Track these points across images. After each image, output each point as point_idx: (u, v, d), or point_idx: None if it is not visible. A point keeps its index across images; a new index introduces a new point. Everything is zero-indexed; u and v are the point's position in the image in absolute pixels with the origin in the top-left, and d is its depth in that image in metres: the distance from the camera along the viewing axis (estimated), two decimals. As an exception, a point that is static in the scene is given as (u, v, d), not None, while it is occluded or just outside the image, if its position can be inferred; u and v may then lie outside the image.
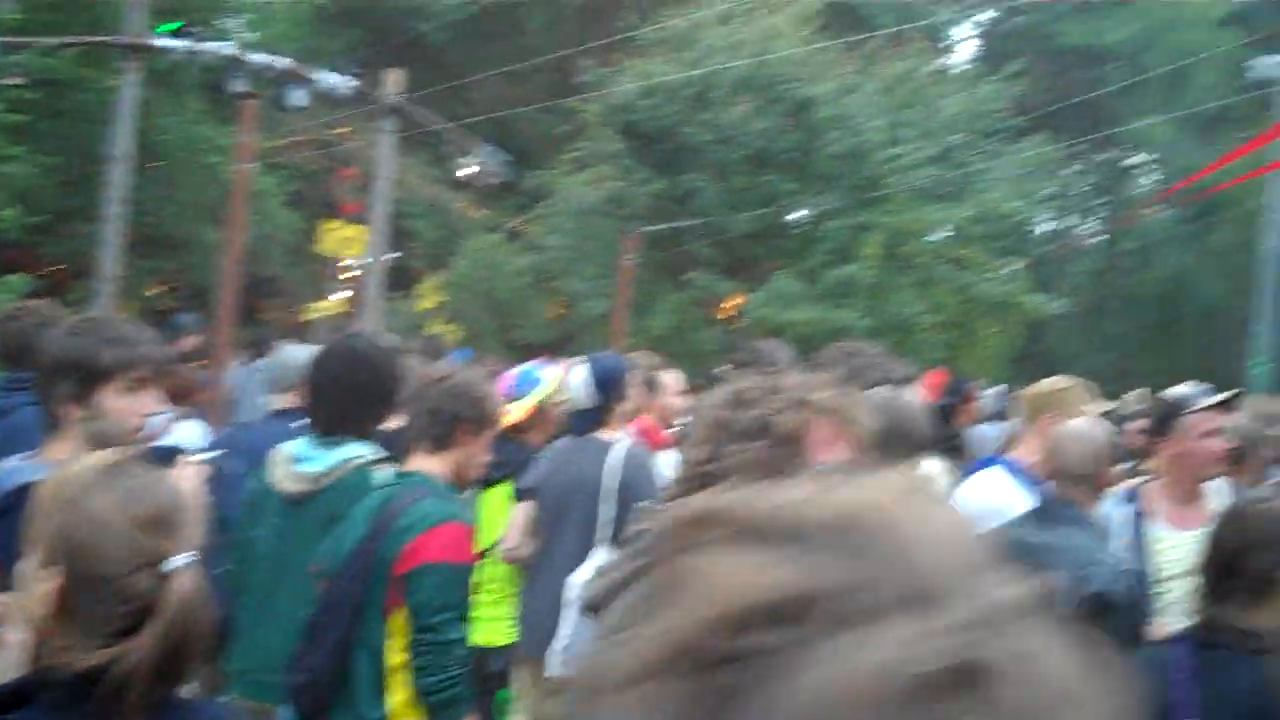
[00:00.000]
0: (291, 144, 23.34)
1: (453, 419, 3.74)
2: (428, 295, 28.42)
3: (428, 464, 3.76)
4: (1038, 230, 37.84)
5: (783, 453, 2.06)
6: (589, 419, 5.38)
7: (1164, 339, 37.33)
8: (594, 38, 22.66)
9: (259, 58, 14.94)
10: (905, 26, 23.47)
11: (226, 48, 15.07)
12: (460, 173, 20.08)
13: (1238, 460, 5.22)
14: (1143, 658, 3.05)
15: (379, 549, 3.48)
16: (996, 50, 36.41)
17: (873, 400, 3.33)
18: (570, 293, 26.08)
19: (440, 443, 3.75)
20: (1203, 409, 4.92)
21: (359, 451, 3.98)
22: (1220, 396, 4.91)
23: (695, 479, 2.16)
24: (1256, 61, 32.93)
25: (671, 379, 6.81)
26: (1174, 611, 4.38)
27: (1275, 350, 33.97)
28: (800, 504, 0.64)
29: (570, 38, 25.90)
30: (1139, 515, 4.66)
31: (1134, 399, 17.71)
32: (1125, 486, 4.83)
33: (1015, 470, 4.75)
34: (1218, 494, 4.73)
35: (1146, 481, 4.95)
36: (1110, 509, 4.66)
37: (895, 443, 3.27)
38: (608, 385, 5.35)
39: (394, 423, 4.09)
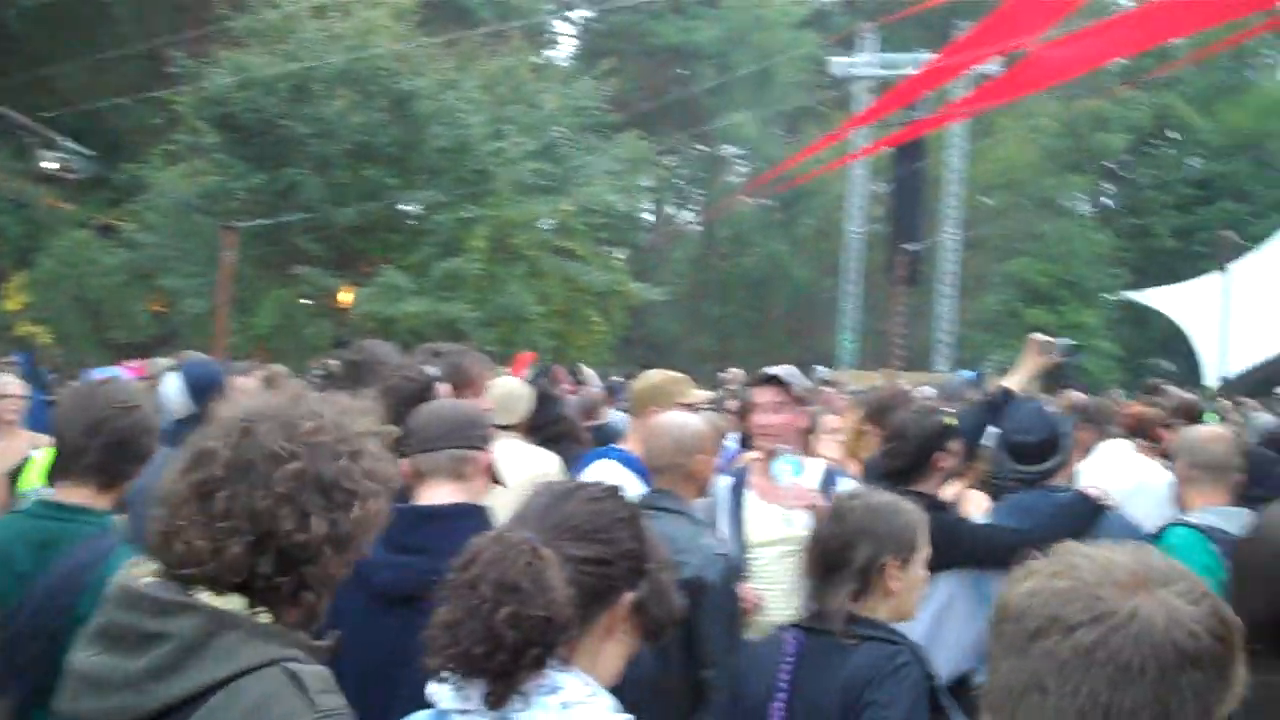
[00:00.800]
0: None
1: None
2: (12, 295, 26.57)
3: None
4: (639, 221, 39.20)
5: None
6: (187, 428, 5.19)
7: (760, 320, 39.43)
8: (186, 27, 21.78)
9: None
10: (506, 26, 23.78)
11: None
12: (43, 165, 18.87)
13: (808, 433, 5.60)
14: (759, 644, 3.18)
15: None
16: (594, 48, 37.42)
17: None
18: (170, 291, 24.94)
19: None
20: (760, 385, 5.17)
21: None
22: (771, 371, 5.11)
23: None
24: (834, 61, 35.34)
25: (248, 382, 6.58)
26: (764, 578, 4.66)
27: (860, 327, 36.64)
28: None
29: (161, 27, 24.78)
30: (737, 489, 4.89)
31: (731, 379, 18.73)
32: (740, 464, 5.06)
33: (627, 461, 4.85)
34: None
35: (753, 458, 5.17)
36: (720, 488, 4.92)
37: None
38: (203, 391, 5.17)
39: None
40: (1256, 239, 37.46)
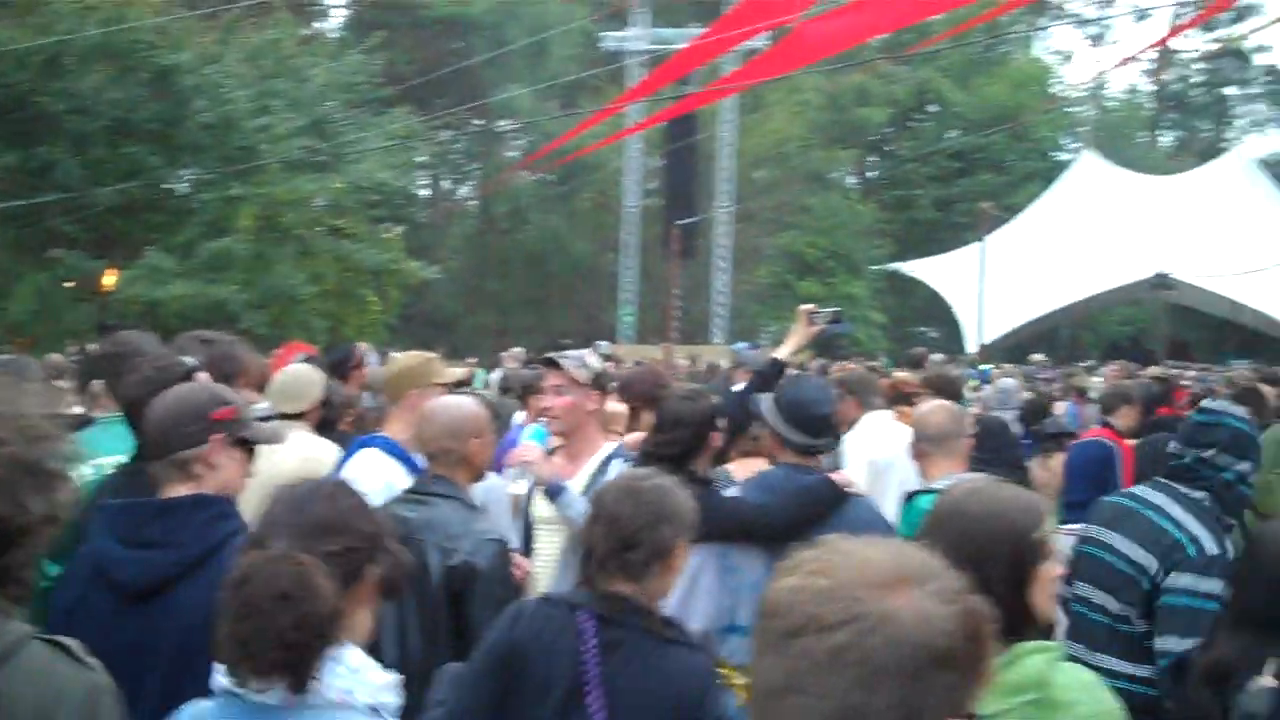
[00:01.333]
0: None
1: None
2: None
3: None
4: (414, 197, 38.71)
5: None
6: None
7: (540, 295, 39.46)
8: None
9: None
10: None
11: None
12: None
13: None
14: (547, 620, 3.08)
15: None
16: (364, 20, 36.69)
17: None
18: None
19: None
20: (543, 368, 5.18)
21: None
22: (550, 355, 5.11)
23: None
24: (606, 35, 35.52)
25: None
26: (545, 556, 4.68)
27: (639, 301, 37.04)
28: None
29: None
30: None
31: (510, 357, 18.66)
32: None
33: (391, 448, 4.77)
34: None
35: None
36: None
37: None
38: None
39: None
40: (1013, 210, 39.30)
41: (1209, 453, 4.01)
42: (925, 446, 5.11)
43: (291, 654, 2.17)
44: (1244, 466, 4.01)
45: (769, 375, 5.11)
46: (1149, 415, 9.10)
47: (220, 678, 2.28)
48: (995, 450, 7.64)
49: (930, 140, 43.98)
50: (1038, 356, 27.24)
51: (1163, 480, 4.12)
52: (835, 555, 1.39)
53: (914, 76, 43.01)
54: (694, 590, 4.24)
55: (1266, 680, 3.17)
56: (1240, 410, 4.18)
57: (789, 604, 1.34)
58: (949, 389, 7.82)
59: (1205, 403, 4.37)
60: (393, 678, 2.41)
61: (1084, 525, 4.26)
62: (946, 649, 1.30)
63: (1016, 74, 46.03)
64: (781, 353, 5.35)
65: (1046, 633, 2.79)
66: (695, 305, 39.95)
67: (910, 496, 5.02)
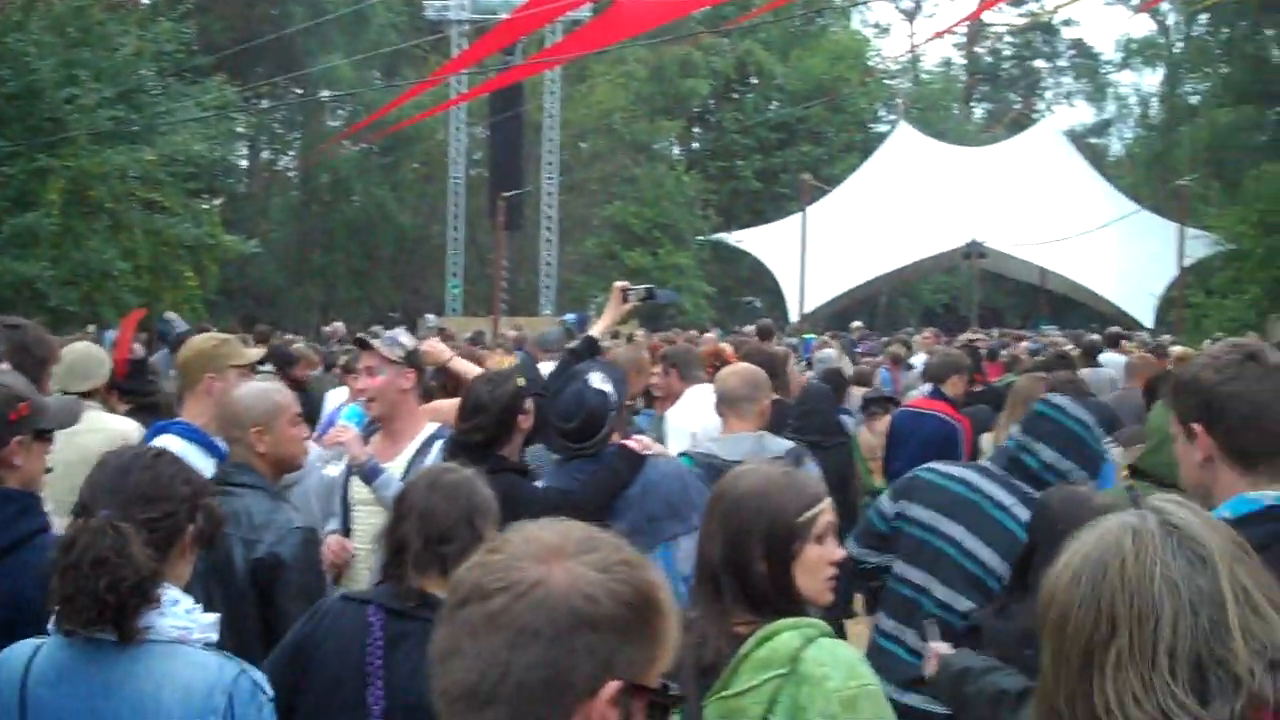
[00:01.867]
0: None
1: None
2: None
3: None
4: (233, 168, 37.74)
5: None
6: None
7: (366, 268, 38.91)
8: None
9: None
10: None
11: None
12: None
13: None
14: (341, 616, 3.04)
15: None
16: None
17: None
18: None
19: None
20: (359, 349, 5.11)
21: None
22: (362, 335, 5.13)
23: None
24: (429, 3, 35.10)
25: None
26: (361, 537, 4.61)
27: (467, 273, 36.83)
28: None
29: None
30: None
31: (333, 332, 18.43)
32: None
33: (190, 433, 4.65)
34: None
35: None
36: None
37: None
38: None
39: None
40: (832, 181, 40.14)
41: (1049, 454, 4.02)
42: (723, 408, 5.29)
43: (111, 612, 2.41)
44: (1067, 466, 4.01)
45: (582, 353, 5.09)
46: (971, 384, 9.37)
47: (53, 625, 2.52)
48: (816, 417, 7.90)
49: (752, 112, 44.59)
50: (856, 324, 27.94)
51: (1000, 473, 4.10)
52: (513, 534, 1.46)
53: (736, 49, 43.49)
54: None
55: (934, 645, 3.34)
56: (1082, 411, 4.16)
57: (462, 579, 1.42)
58: (769, 363, 8.01)
59: (1049, 396, 4.42)
60: (214, 617, 2.63)
61: (904, 503, 4.19)
62: (593, 612, 1.37)
63: (835, 46, 46.91)
64: (595, 330, 5.37)
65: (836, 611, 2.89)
66: (523, 277, 39.91)
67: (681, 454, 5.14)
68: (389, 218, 37.56)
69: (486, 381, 4.59)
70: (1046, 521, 3.39)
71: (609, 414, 4.44)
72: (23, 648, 2.56)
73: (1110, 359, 13.07)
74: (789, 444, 5.14)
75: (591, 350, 5.21)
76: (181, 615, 2.56)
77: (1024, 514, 3.87)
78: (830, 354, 14.45)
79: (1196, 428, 2.49)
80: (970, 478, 4.14)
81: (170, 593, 2.56)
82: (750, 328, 20.08)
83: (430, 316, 31.80)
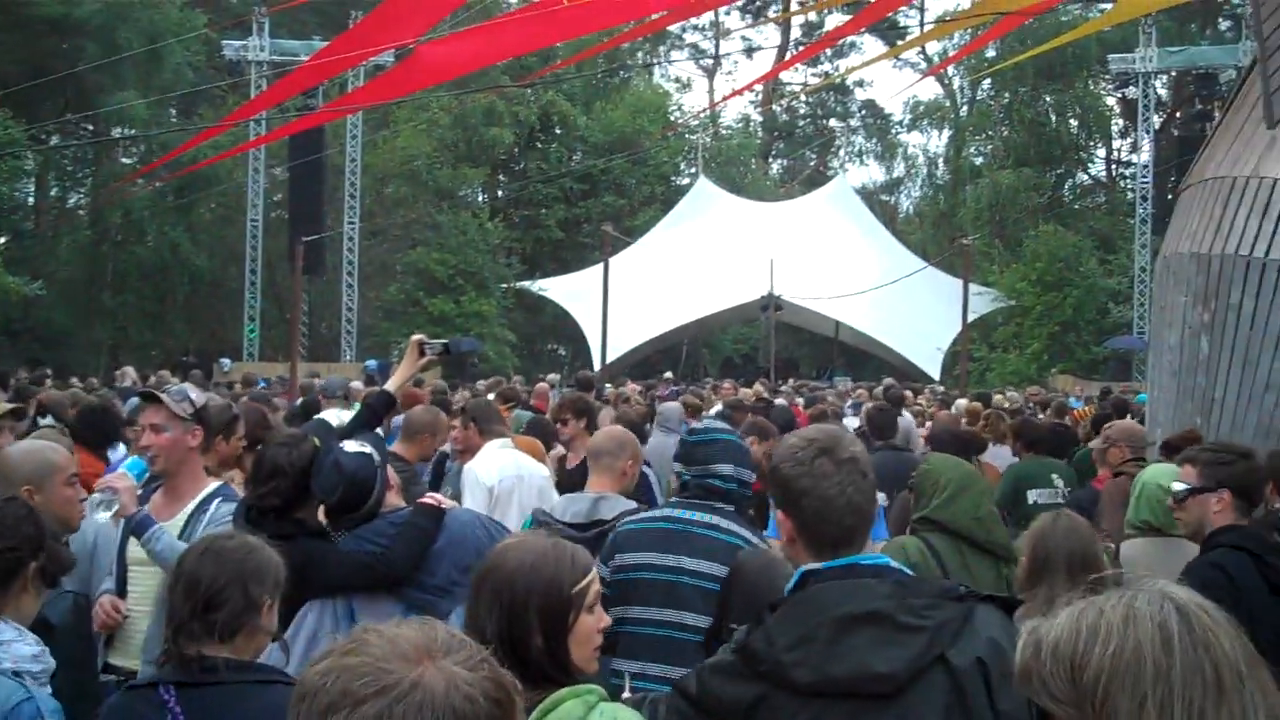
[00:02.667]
0: None
1: None
2: None
3: None
4: (20, 205, 36.34)
5: None
6: None
7: (159, 310, 37.76)
8: None
9: None
10: None
11: None
12: None
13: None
14: (132, 708, 2.94)
15: None
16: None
17: None
18: None
19: None
20: (145, 404, 4.93)
21: None
22: (150, 390, 4.96)
23: None
24: (228, 44, 34.53)
25: None
26: (138, 597, 4.53)
27: (265, 317, 36.10)
28: None
29: None
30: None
31: (122, 376, 17.91)
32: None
33: None
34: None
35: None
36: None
37: None
38: None
39: None
40: (634, 232, 40.74)
41: (725, 468, 4.37)
42: (590, 463, 5.47)
43: None
44: (746, 474, 4.43)
45: (378, 408, 5.08)
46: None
47: None
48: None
49: (556, 162, 45.00)
50: (667, 375, 28.36)
51: (683, 500, 4.43)
52: (367, 635, 1.44)
53: (539, 99, 43.87)
54: (315, 645, 4.12)
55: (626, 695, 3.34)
56: (723, 424, 4.66)
57: (321, 684, 1.38)
58: (588, 411, 8.19)
59: (695, 424, 4.77)
60: (39, 649, 2.89)
61: (617, 557, 4.37)
62: (472, 712, 1.36)
63: (637, 100, 47.71)
64: (390, 385, 5.33)
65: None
66: (323, 322, 39.31)
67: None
68: (184, 259, 36.55)
69: (282, 445, 4.46)
70: (742, 580, 3.66)
71: (374, 474, 4.35)
72: None
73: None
74: (629, 504, 5.12)
75: (387, 405, 5.20)
76: (11, 632, 2.85)
77: (729, 524, 4.26)
78: (675, 408, 14.02)
79: (779, 512, 2.70)
80: (668, 513, 4.44)
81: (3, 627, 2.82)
82: (553, 376, 20.27)
83: (226, 361, 31.08)
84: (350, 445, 4.35)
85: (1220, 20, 45.40)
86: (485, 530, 4.54)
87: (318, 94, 29.05)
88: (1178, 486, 4.72)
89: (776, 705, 2.48)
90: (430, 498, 4.61)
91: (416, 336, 5.52)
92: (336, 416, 6.54)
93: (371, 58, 20.06)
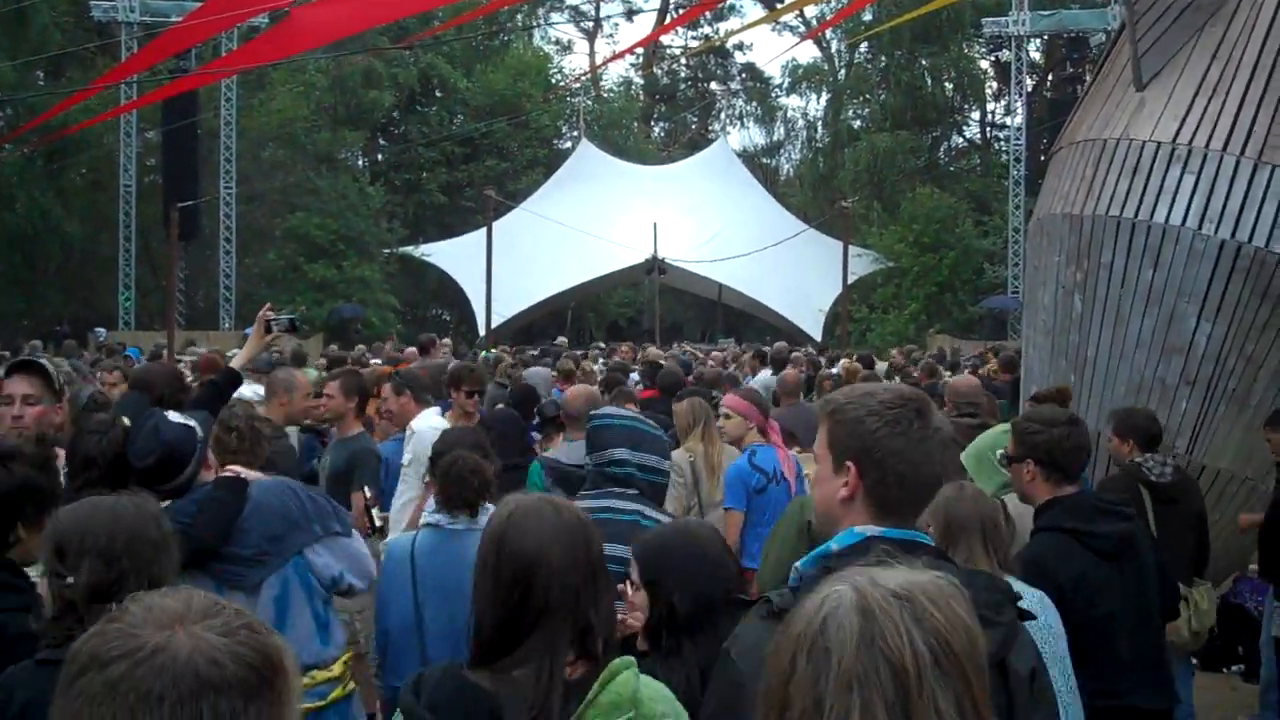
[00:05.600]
0: None
1: None
2: None
3: None
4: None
5: None
6: None
7: (31, 279, 36.77)
8: None
9: None
10: None
11: None
12: None
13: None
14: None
15: None
16: None
17: None
18: None
19: None
20: (12, 374, 4.75)
21: None
22: (25, 357, 4.77)
23: None
24: (96, 4, 33.60)
25: None
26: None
27: (140, 285, 35.35)
28: None
29: None
30: None
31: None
32: None
33: None
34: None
35: None
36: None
37: None
38: None
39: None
40: (517, 196, 40.60)
41: (620, 452, 4.30)
42: (566, 419, 5.96)
43: None
44: (648, 459, 4.33)
45: (222, 386, 5.03)
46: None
47: None
48: (507, 441, 8.09)
49: (437, 125, 44.59)
50: (562, 340, 28.37)
51: (597, 491, 4.33)
52: (131, 604, 1.45)
53: (420, 61, 43.40)
54: None
55: None
56: (620, 410, 4.56)
57: (79, 649, 1.40)
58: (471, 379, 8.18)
59: (595, 411, 4.65)
60: None
61: None
62: (218, 676, 1.37)
63: (518, 63, 47.44)
64: (236, 362, 5.27)
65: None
66: (201, 290, 38.60)
67: None
68: (55, 226, 35.59)
69: (92, 433, 4.25)
70: (661, 555, 3.45)
71: (194, 448, 4.30)
72: None
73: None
74: None
75: (232, 383, 5.15)
76: None
77: (623, 504, 4.20)
78: (544, 372, 13.88)
79: (849, 465, 2.48)
80: (589, 504, 4.21)
81: None
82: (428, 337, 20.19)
83: (101, 330, 30.42)
84: (174, 416, 4.26)
85: (1091, -16, 46.47)
86: (295, 495, 4.48)
87: (191, 57, 28.48)
88: (999, 454, 4.80)
89: None
90: (230, 469, 4.49)
91: (263, 312, 5.50)
92: (252, 390, 6.52)
93: (247, 19, 19.75)
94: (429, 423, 6.87)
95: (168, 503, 4.19)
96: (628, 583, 3.33)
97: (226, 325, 34.51)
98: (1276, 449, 7.27)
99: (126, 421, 4.27)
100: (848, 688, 1.42)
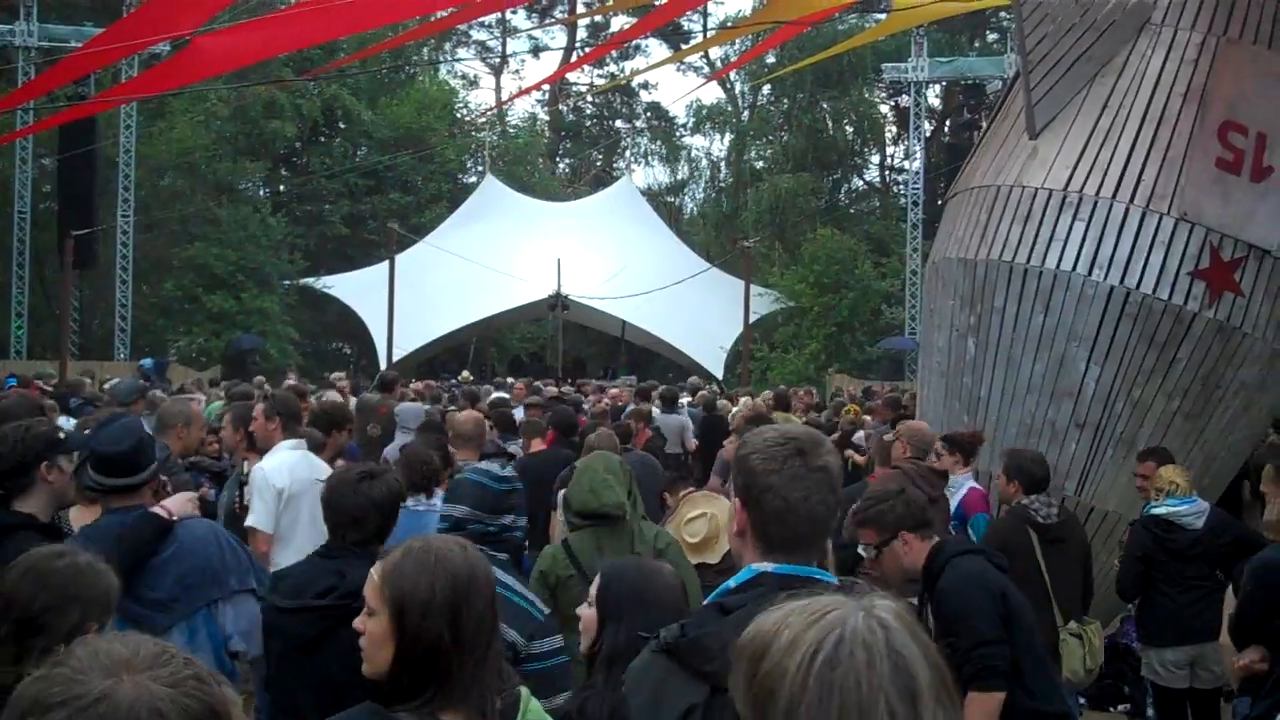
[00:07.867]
0: None
1: None
2: None
3: None
4: None
5: None
6: None
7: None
8: None
9: None
10: None
11: None
12: None
13: None
14: None
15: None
16: None
17: None
18: None
19: None
20: None
21: None
22: None
23: None
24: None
25: None
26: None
27: (33, 313, 34.53)
28: None
29: None
30: None
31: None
32: None
33: None
34: None
35: None
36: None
37: None
38: None
39: None
40: (420, 230, 40.40)
41: (460, 509, 4.16)
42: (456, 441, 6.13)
43: None
44: (484, 516, 4.15)
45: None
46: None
47: None
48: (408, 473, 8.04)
49: (340, 157, 44.27)
50: (465, 374, 28.22)
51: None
52: (78, 647, 1.43)
53: (323, 93, 43.10)
54: None
55: None
56: (484, 465, 4.46)
57: (22, 694, 1.38)
58: (341, 418, 7.92)
59: (466, 467, 4.61)
60: None
61: None
62: None
63: (422, 96, 47.31)
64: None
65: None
66: (96, 319, 37.83)
67: None
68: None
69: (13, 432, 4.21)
70: (616, 581, 3.50)
71: (155, 459, 4.32)
72: None
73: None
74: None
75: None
76: None
77: (511, 580, 4.01)
78: (413, 408, 14.10)
79: (738, 500, 2.59)
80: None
81: None
82: (338, 375, 20.02)
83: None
84: (149, 425, 4.36)
85: (988, 33, 47.50)
86: (218, 547, 4.44)
87: (89, 83, 28.01)
88: (863, 552, 4.70)
89: (716, 707, 2.33)
90: (161, 507, 4.44)
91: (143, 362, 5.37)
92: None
93: (146, 48, 19.48)
94: (280, 458, 6.56)
95: (93, 520, 4.30)
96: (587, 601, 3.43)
97: (121, 355, 33.86)
98: (1145, 484, 7.40)
99: (59, 434, 4.31)
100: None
